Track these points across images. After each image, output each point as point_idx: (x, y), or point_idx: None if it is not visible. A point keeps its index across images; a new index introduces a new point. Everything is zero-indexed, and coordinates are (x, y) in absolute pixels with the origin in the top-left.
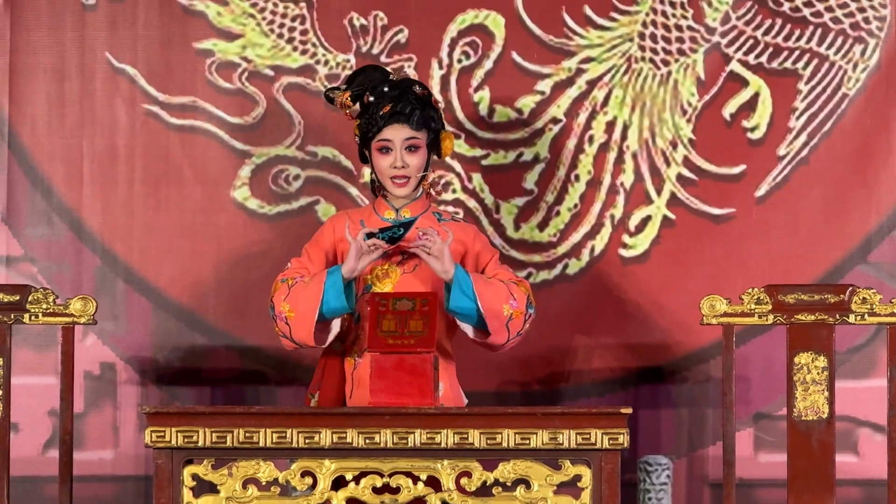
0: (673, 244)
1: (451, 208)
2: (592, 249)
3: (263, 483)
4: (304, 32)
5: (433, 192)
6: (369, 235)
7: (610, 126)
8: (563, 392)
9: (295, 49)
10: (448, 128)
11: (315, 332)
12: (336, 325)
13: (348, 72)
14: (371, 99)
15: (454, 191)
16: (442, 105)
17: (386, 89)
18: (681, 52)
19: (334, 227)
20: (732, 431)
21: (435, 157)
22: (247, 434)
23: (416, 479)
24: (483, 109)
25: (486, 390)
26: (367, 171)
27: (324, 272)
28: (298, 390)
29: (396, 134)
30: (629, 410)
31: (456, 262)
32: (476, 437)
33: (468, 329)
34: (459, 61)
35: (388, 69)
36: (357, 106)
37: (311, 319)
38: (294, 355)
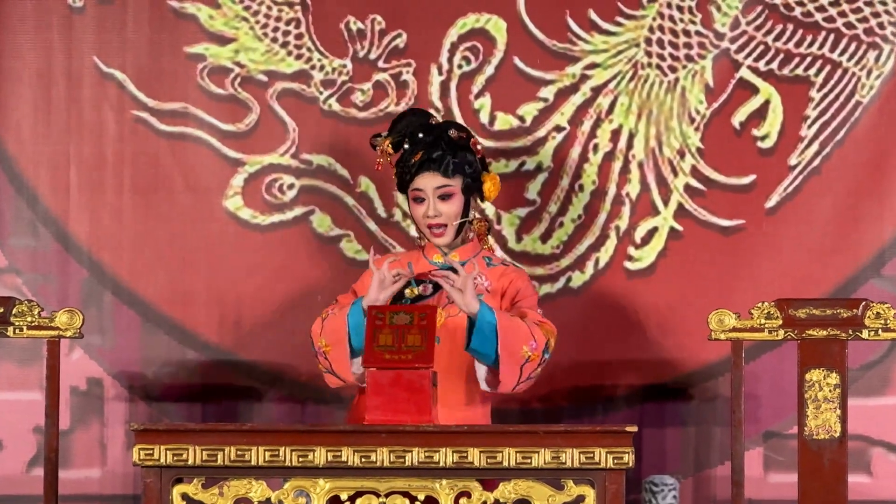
0: (680, 257)
1: (501, 254)
2: (597, 262)
3: (255, 503)
4: (298, 36)
5: (486, 237)
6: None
7: (615, 134)
8: (565, 410)
9: (289, 54)
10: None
11: (352, 368)
12: None
13: (344, 77)
14: (406, 146)
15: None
16: (481, 147)
17: (421, 135)
18: (689, 58)
19: (388, 261)
20: (741, 451)
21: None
22: (238, 452)
23: (413, 500)
24: (484, 117)
25: None
26: (413, 231)
27: (347, 306)
28: (293, 407)
29: (427, 183)
30: (634, 429)
31: (481, 299)
32: (476, 456)
33: (481, 371)
34: (460, 67)
35: (432, 112)
36: (396, 153)
37: (343, 352)
38: (289, 372)
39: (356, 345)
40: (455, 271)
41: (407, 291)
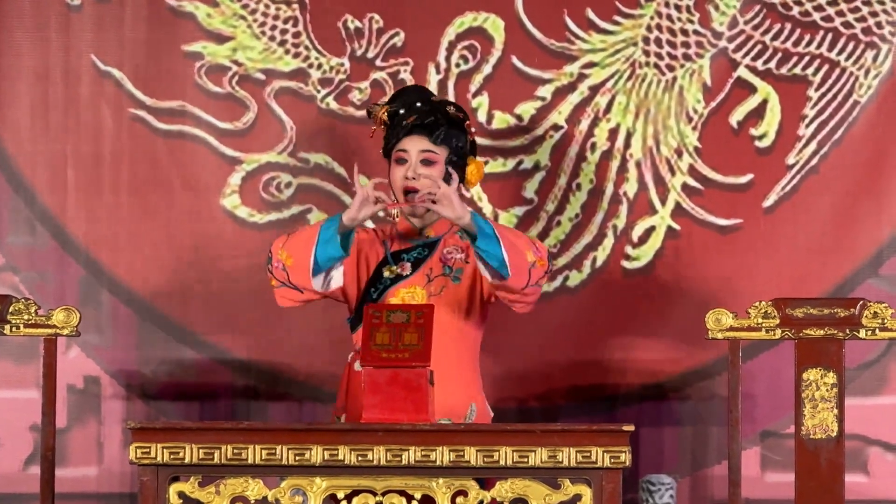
0: (677, 256)
1: None
2: (594, 261)
3: (252, 501)
4: (296, 35)
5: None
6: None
7: (613, 133)
8: (562, 409)
9: (287, 52)
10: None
11: (313, 280)
12: (338, 277)
13: (342, 76)
14: (401, 111)
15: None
16: (474, 130)
17: (419, 104)
18: (686, 57)
19: (358, 239)
20: (738, 450)
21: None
22: (235, 450)
23: (410, 498)
24: (482, 115)
25: None
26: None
27: (320, 221)
28: (290, 406)
29: (414, 145)
30: (631, 428)
31: (471, 210)
32: (472, 455)
33: (487, 272)
34: (457, 65)
35: (432, 91)
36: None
37: (307, 262)
38: (287, 371)
39: (320, 257)
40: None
41: (386, 272)
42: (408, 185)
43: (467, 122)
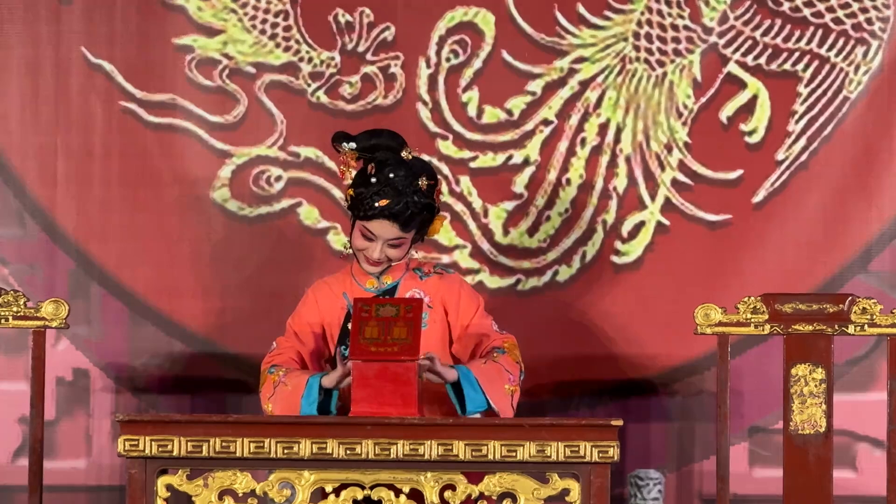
0: (667, 251)
1: (424, 256)
2: (584, 256)
3: (240, 494)
4: (287, 29)
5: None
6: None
7: (603, 128)
8: (551, 404)
9: (278, 46)
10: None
11: None
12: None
13: (332, 70)
14: (373, 180)
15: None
16: (443, 192)
17: (391, 175)
18: (677, 52)
19: (317, 300)
20: (727, 445)
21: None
22: (223, 443)
23: (398, 492)
24: (472, 110)
25: None
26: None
27: (303, 382)
28: None
29: (383, 231)
30: (620, 422)
31: (455, 366)
32: (461, 449)
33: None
34: (448, 60)
35: (405, 142)
36: (358, 165)
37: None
38: None
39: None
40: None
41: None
42: (373, 261)
43: (437, 188)
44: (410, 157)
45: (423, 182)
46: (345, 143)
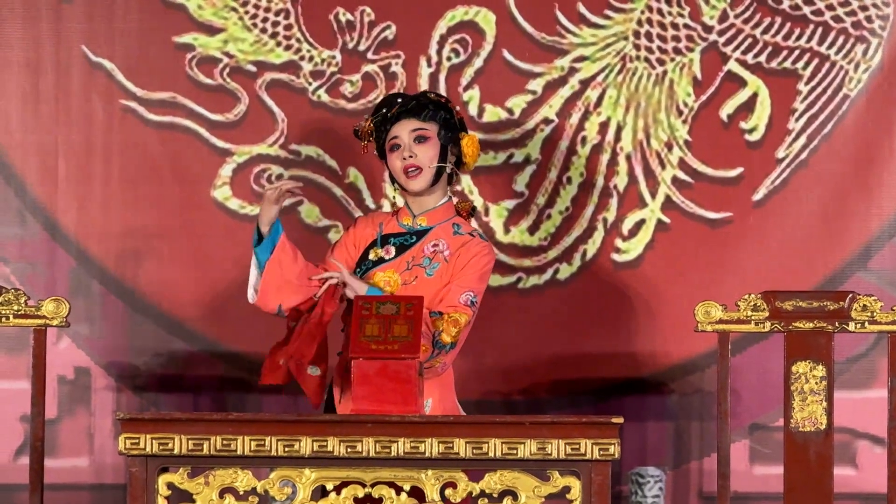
0: (667, 249)
1: (476, 227)
2: (584, 254)
3: (241, 492)
4: (288, 27)
5: (459, 208)
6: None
7: (603, 127)
8: (552, 402)
9: (279, 44)
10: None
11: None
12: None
13: (333, 68)
14: (384, 110)
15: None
16: (459, 109)
17: (399, 100)
18: (677, 50)
19: (356, 224)
20: (727, 443)
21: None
22: (224, 442)
23: (399, 490)
24: (473, 109)
25: (467, 399)
26: (391, 191)
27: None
28: (282, 399)
29: (403, 128)
30: (620, 420)
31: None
32: (462, 447)
33: None
34: (449, 59)
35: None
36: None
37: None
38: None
39: (261, 258)
40: (418, 237)
41: (371, 254)
42: (407, 164)
43: (451, 103)
44: None
45: (432, 95)
46: (360, 123)
